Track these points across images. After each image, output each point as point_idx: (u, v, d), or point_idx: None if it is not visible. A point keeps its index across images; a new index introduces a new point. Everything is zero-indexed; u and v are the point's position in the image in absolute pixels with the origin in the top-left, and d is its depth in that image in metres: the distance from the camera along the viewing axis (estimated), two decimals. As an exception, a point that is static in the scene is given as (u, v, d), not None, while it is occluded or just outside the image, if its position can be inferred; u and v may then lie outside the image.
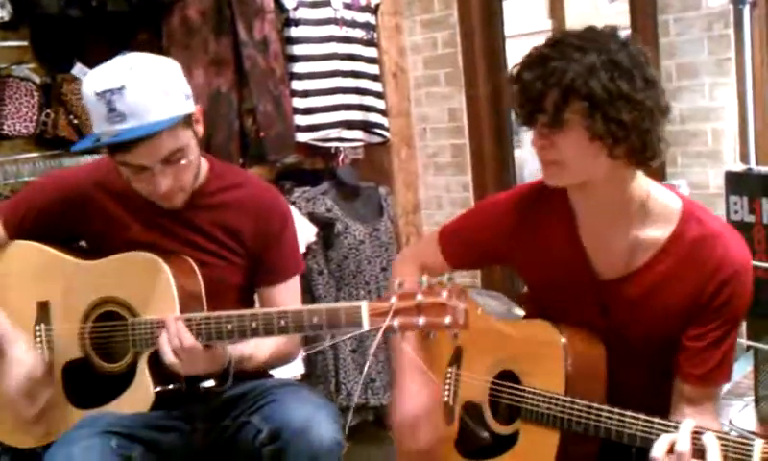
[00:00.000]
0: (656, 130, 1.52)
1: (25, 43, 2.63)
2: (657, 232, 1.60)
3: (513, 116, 1.65)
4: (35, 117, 2.60)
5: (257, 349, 1.88)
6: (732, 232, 1.62)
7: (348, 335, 1.61)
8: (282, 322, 1.64)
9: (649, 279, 1.61)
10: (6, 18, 2.37)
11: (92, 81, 1.72)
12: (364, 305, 1.54)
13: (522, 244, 1.75)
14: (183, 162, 1.77)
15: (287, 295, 1.97)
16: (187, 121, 1.77)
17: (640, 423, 1.53)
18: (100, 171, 1.93)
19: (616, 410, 1.56)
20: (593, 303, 1.67)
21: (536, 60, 1.51)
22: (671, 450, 1.43)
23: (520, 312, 1.94)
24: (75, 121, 2.65)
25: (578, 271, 1.68)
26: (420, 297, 1.50)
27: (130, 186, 1.84)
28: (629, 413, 1.55)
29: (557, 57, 1.48)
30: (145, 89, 1.69)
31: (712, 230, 1.59)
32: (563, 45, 1.50)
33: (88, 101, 1.73)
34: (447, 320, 1.50)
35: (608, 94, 1.46)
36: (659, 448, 1.44)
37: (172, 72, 1.77)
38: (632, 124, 1.48)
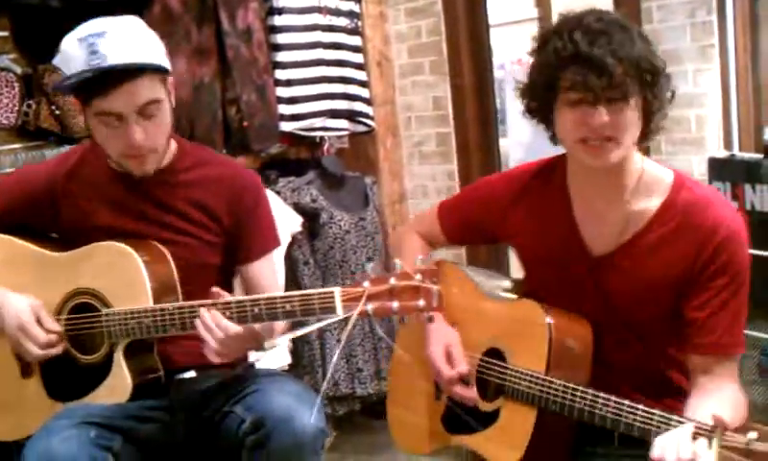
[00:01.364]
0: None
1: (5, 34, 2.61)
2: (649, 203, 1.63)
3: (524, 100, 1.66)
4: (16, 108, 2.58)
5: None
6: (722, 198, 1.65)
7: (324, 323, 1.60)
8: (256, 309, 1.64)
9: (641, 248, 1.63)
10: (-16, 8, 2.36)
11: (73, 33, 1.74)
12: (337, 291, 1.54)
13: (518, 222, 1.78)
14: (157, 119, 1.76)
15: (267, 270, 1.96)
16: (164, 78, 1.79)
17: (611, 405, 1.54)
18: (67, 163, 1.93)
19: (590, 391, 1.58)
20: (587, 280, 1.69)
21: (597, 34, 1.51)
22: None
23: (508, 286, 1.96)
24: (57, 112, 2.64)
25: (571, 247, 1.70)
26: (393, 281, 1.51)
27: (98, 173, 1.85)
28: (602, 395, 1.56)
29: (616, 31, 1.51)
30: (127, 34, 1.73)
31: (703, 195, 1.62)
32: (610, 20, 1.54)
33: (69, 49, 1.73)
34: (420, 303, 1.50)
35: (661, 66, 1.54)
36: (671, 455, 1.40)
37: (150, 31, 1.81)
38: (665, 102, 1.56)
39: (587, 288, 1.69)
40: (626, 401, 1.53)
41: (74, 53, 1.72)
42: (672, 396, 1.68)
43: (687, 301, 1.61)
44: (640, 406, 1.51)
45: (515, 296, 1.88)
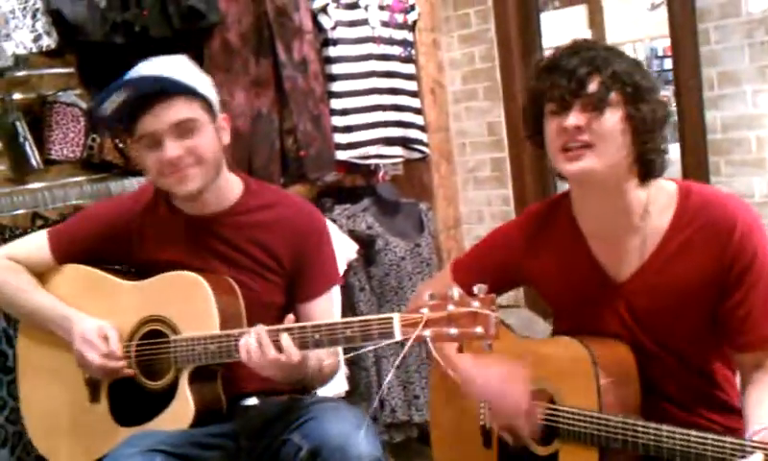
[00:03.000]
0: (664, 136, 1.62)
1: (71, 70, 2.69)
2: (661, 218, 1.64)
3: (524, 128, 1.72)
4: (81, 142, 2.65)
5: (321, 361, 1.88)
6: (729, 194, 1.68)
7: (374, 345, 1.61)
8: (317, 335, 1.67)
9: (664, 262, 1.63)
10: (53, 46, 2.43)
11: None
12: (396, 317, 1.56)
13: (537, 266, 1.78)
14: (195, 138, 1.80)
15: (325, 308, 1.98)
16: (206, 106, 1.84)
17: (677, 437, 1.51)
18: (140, 200, 1.99)
19: (652, 425, 1.55)
20: (618, 307, 1.68)
21: (575, 50, 1.58)
22: None
23: (543, 325, 1.94)
24: (120, 145, 2.70)
25: (594, 280, 1.70)
26: (451, 307, 1.51)
27: (170, 212, 1.91)
28: (665, 427, 1.53)
29: (597, 50, 1.59)
30: (161, 65, 1.81)
31: (712, 195, 1.64)
32: (595, 45, 1.62)
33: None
34: (479, 330, 1.50)
35: (648, 86, 1.58)
36: None
37: (194, 66, 1.88)
38: (660, 120, 1.59)
39: (618, 316, 1.68)
40: (692, 432, 1.50)
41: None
42: (718, 411, 1.67)
43: (722, 303, 1.60)
44: (710, 435, 1.48)
45: (547, 334, 1.86)
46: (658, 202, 1.64)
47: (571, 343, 1.70)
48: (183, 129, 1.80)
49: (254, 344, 1.68)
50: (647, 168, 1.61)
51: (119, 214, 1.98)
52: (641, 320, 1.67)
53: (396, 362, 1.74)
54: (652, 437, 1.54)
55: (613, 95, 1.55)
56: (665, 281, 1.62)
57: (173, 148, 1.79)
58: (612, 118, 1.55)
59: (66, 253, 1.99)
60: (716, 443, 1.46)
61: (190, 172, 1.82)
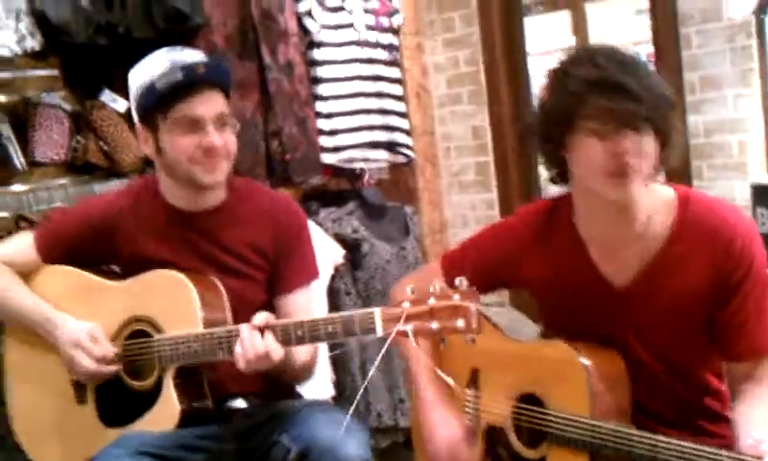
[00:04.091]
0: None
1: (55, 72, 2.68)
2: (660, 225, 1.63)
3: (534, 137, 1.66)
4: (65, 144, 2.64)
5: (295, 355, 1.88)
6: (728, 203, 1.67)
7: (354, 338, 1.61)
8: (299, 332, 1.66)
9: (662, 270, 1.62)
10: (37, 47, 2.43)
11: (145, 60, 1.90)
12: (377, 312, 1.56)
13: (534, 268, 1.76)
14: (229, 133, 1.86)
15: (303, 303, 1.97)
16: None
17: (673, 448, 1.50)
18: (127, 197, 1.99)
19: (647, 434, 1.54)
20: (614, 315, 1.67)
21: (622, 62, 1.52)
22: None
23: (533, 326, 1.93)
24: (105, 147, 2.70)
25: (593, 287, 1.68)
26: (432, 301, 1.51)
27: (155, 209, 1.91)
28: (661, 438, 1.52)
29: (636, 63, 1.54)
30: (204, 56, 1.94)
31: (711, 204, 1.63)
32: (626, 53, 1.57)
33: (147, 69, 1.85)
34: (460, 323, 1.49)
35: (672, 97, 1.56)
36: None
37: None
38: (678, 131, 1.58)
39: (614, 324, 1.67)
40: (688, 443, 1.49)
41: (156, 66, 1.83)
42: (709, 420, 1.67)
43: (718, 312, 1.60)
44: (706, 447, 1.47)
45: (538, 337, 1.85)
46: (657, 208, 1.63)
47: (564, 347, 1.68)
48: (222, 121, 1.85)
49: (246, 342, 1.67)
50: (654, 173, 1.60)
51: (106, 210, 1.97)
52: (637, 326, 1.66)
53: (380, 356, 1.73)
54: (647, 446, 1.53)
55: (658, 118, 1.52)
56: (664, 289, 1.62)
57: (215, 136, 1.82)
58: (653, 140, 1.54)
59: (52, 252, 1.98)
60: (712, 455, 1.45)
61: (221, 163, 1.85)
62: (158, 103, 1.81)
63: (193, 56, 1.91)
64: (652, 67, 1.60)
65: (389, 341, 1.52)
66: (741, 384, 1.60)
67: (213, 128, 1.82)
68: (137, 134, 1.93)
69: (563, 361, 1.68)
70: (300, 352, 1.87)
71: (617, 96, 1.48)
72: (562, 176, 1.66)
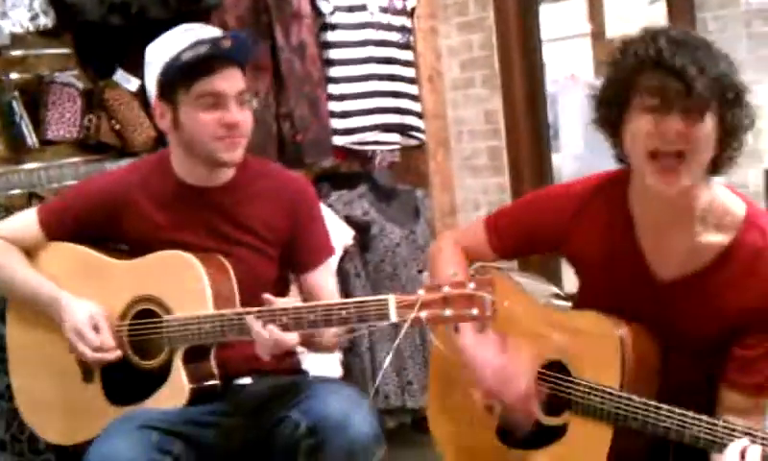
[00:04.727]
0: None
1: (68, 51, 2.69)
2: (717, 237, 1.58)
3: (595, 109, 1.61)
4: (78, 122, 2.65)
5: None
6: None
7: (372, 327, 1.62)
8: (312, 316, 1.67)
9: (707, 285, 1.59)
10: (50, 25, 2.43)
11: (164, 36, 1.89)
12: (391, 298, 1.57)
13: (580, 240, 1.73)
14: (248, 111, 1.87)
15: (326, 278, 2.01)
16: None
17: (704, 424, 1.50)
18: (137, 173, 1.98)
19: (676, 409, 1.53)
20: (648, 303, 1.65)
21: (681, 44, 1.48)
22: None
23: (545, 287, 1.92)
24: (117, 126, 2.70)
25: (635, 272, 1.66)
26: (447, 288, 1.52)
27: (166, 185, 1.91)
28: (690, 414, 1.51)
29: (701, 46, 1.49)
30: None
31: None
32: (695, 36, 1.52)
33: (168, 43, 1.84)
34: (474, 311, 1.50)
35: (744, 89, 1.49)
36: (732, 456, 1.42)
37: None
38: (748, 126, 1.51)
39: (650, 311, 1.65)
40: (719, 422, 1.49)
41: (178, 41, 1.82)
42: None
43: (737, 338, 1.58)
44: (738, 425, 1.47)
45: (570, 306, 1.85)
46: (719, 217, 1.58)
47: (600, 319, 1.67)
48: (242, 99, 1.86)
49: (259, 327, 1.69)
50: (718, 167, 1.55)
51: (114, 186, 1.97)
52: (672, 321, 1.64)
53: (395, 344, 1.75)
54: (676, 422, 1.52)
55: (716, 103, 1.47)
56: (701, 303, 1.59)
57: (238, 113, 1.83)
58: (709, 124, 1.47)
59: (57, 228, 1.97)
60: (746, 433, 1.45)
61: (240, 140, 1.86)
62: (182, 76, 1.81)
63: (214, 31, 1.91)
64: (724, 55, 1.50)
65: (404, 329, 1.53)
66: (726, 413, 1.57)
67: (234, 105, 1.83)
68: (153, 109, 1.92)
69: (596, 331, 1.66)
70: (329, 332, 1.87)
71: (665, 74, 1.46)
72: (620, 155, 1.63)
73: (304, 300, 1.96)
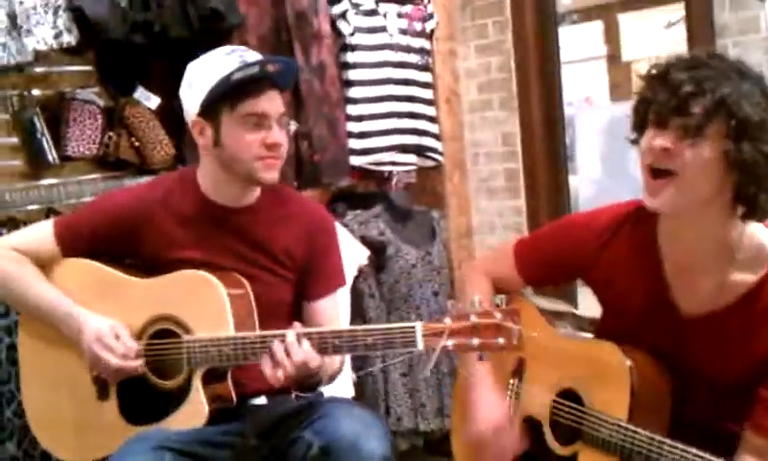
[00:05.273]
0: None
1: (90, 68, 2.71)
2: (746, 275, 1.56)
3: (630, 124, 1.58)
4: (98, 140, 2.66)
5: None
6: None
7: (398, 358, 1.63)
8: (337, 341, 1.67)
9: (733, 323, 1.57)
10: (73, 43, 2.45)
11: (207, 55, 1.90)
12: (418, 326, 1.57)
13: (607, 269, 1.72)
14: (285, 134, 1.89)
15: (330, 309, 2.01)
16: None
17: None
18: (159, 189, 1.99)
19: (679, 445, 1.52)
20: (671, 337, 1.64)
21: (689, 63, 1.48)
22: None
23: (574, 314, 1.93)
24: (136, 144, 2.71)
25: (659, 306, 1.65)
26: (474, 318, 1.53)
27: (189, 202, 1.92)
28: (692, 450, 1.50)
29: (713, 67, 1.46)
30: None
31: None
32: (719, 60, 1.49)
33: (214, 62, 1.85)
34: (501, 341, 1.52)
35: (760, 121, 1.43)
36: None
37: None
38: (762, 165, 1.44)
39: (670, 345, 1.65)
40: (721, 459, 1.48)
41: (224, 62, 1.84)
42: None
43: (763, 380, 1.55)
44: None
45: (590, 336, 1.85)
46: (751, 253, 1.56)
47: (614, 350, 1.67)
48: (282, 121, 1.89)
49: (282, 351, 1.69)
50: (749, 207, 1.49)
51: (133, 203, 1.96)
52: (693, 358, 1.62)
53: (426, 372, 1.77)
54: (678, 457, 1.52)
55: (714, 125, 1.43)
56: (726, 342, 1.58)
57: (279, 134, 1.86)
58: (707, 151, 1.44)
59: (72, 242, 1.96)
60: None
61: (279, 162, 1.90)
62: (229, 95, 1.83)
63: (256, 55, 1.92)
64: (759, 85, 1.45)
65: (434, 357, 1.54)
66: (746, 456, 1.55)
67: (277, 126, 1.86)
68: (192, 126, 1.91)
69: (608, 361, 1.67)
70: (334, 361, 1.89)
71: (664, 90, 1.46)
72: None
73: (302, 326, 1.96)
